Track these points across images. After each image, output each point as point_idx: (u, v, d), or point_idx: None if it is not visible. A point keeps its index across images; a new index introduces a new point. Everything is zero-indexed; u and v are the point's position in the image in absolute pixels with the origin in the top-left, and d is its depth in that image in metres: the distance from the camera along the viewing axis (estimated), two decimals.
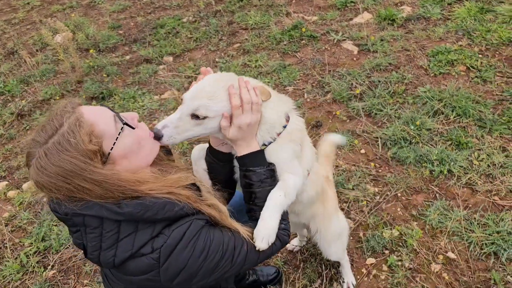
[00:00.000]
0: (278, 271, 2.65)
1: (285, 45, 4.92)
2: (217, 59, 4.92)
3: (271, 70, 4.49)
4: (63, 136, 1.25)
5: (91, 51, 5.36)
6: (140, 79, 4.76)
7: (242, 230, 1.47)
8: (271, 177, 1.56)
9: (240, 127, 1.50)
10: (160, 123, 1.52)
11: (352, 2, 5.51)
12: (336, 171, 3.24)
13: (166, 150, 1.71)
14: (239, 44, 5.16)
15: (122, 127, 1.36)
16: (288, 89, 4.22)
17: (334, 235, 2.21)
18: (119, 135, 1.34)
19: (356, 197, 3.02)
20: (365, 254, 2.69)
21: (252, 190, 1.55)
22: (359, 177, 3.16)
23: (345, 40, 4.81)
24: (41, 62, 5.39)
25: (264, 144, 1.60)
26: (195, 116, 1.50)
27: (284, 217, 1.57)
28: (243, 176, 1.57)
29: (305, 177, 1.75)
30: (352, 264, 2.64)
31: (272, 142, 1.62)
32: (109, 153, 1.32)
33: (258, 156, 1.56)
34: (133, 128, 1.40)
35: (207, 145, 1.82)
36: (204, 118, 1.50)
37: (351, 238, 2.80)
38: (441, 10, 4.97)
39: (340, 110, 3.81)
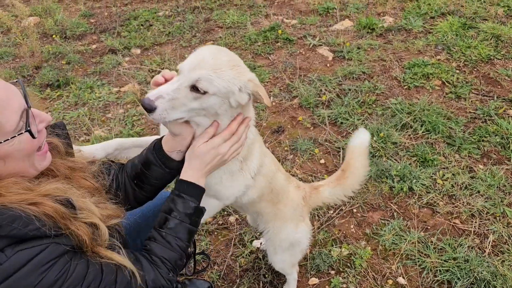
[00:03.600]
0: (211, 286, 2.38)
1: (259, 46, 4.69)
2: (186, 55, 4.67)
3: None
4: None
5: (54, 37, 5.07)
6: (102, 69, 4.48)
7: (125, 262, 1.22)
8: (194, 218, 1.40)
9: (213, 148, 1.40)
10: (152, 93, 1.29)
11: (334, 8, 5.32)
12: None
13: (66, 142, 1.43)
14: (212, 42, 4.92)
15: (22, 133, 1.09)
16: None
17: (283, 243, 1.97)
18: (12, 138, 1.07)
19: None
20: (308, 273, 2.44)
21: (169, 217, 1.37)
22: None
23: (321, 45, 4.59)
24: (2, 44, 5.09)
25: None
26: (195, 89, 1.29)
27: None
28: (170, 200, 1.41)
29: (229, 199, 1.64)
30: None
31: None
32: None
33: (198, 190, 1.42)
34: (34, 138, 1.12)
35: (126, 141, 1.62)
36: (204, 93, 1.29)
37: None
38: (423, 23, 4.80)
39: (305, 116, 3.57)
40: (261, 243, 2.55)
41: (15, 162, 1.11)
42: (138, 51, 4.84)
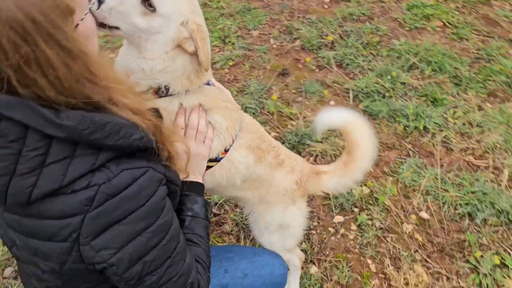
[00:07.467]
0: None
1: None
2: None
3: (234, 12, 4.02)
4: None
5: None
6: None
7: None
8: (203, 210, 1.33)
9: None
10: None
11: None
12: (304, 123, 2.92)
13: None
14: None
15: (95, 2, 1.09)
16: (253, 33, 3.79)
17: (270, 225, 1.74)
18: (90, 10, 1.00)
19: (324, 150, 2.73)
20: (333, 211, 2.43)
21: (180, 217, 1.27)
22: (328, 130, 2.86)
23: None
24: None
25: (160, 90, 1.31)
26: (147, 3, 1.19)
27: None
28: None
29: None
30: (318, 223, 2.37)
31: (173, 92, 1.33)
32: (77, 24, 0.94)
33: (197, 186, 1.38)
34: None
35: None
36: (153, 10, 1.20)
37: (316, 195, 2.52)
38: None
39: (310, 58, 3.46)
40: None
41: (94, 44, 1.04)
42: None
